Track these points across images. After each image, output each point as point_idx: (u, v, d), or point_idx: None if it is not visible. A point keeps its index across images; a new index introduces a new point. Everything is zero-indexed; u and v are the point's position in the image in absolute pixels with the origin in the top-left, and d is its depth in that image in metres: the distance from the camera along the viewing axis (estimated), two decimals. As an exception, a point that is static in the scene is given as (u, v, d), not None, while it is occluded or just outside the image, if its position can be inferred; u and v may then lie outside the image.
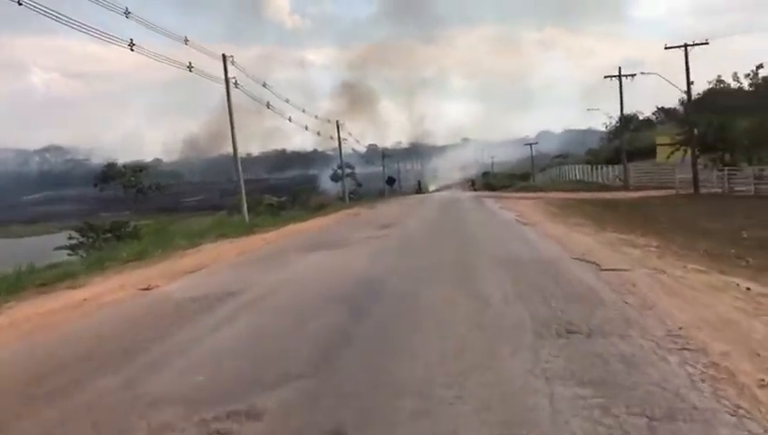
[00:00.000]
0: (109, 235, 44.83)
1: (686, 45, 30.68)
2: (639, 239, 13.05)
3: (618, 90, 42.83)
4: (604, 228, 15.74)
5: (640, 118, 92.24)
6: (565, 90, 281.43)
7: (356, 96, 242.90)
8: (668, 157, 35.28)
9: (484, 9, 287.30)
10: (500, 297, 7.45)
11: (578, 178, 58.44)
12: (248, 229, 24.15)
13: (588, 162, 65.96)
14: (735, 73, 60.57)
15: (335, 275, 10.35)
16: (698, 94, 73.68)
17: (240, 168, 30.38)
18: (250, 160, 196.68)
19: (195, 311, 7.94)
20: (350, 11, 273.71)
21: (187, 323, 7.26)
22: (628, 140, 72.03)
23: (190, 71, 26.63)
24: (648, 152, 57.15)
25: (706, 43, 30.66)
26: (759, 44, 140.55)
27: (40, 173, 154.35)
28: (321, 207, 50.16)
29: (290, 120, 41.54)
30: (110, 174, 34.18)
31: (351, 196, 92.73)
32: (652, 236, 13.55)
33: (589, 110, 53.40)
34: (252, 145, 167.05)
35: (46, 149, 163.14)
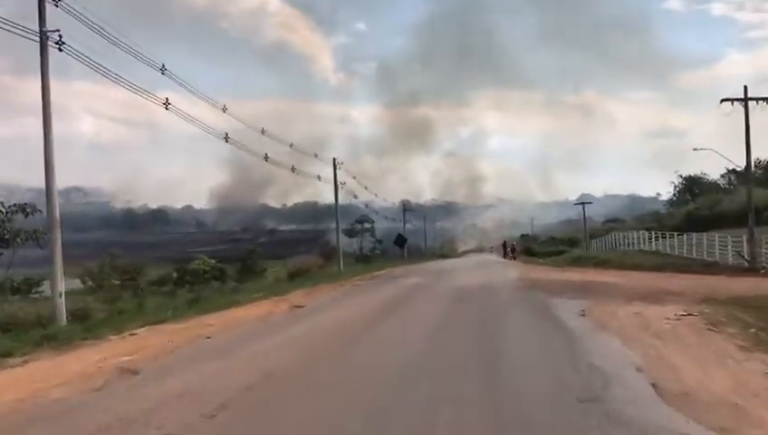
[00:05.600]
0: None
1: None
2: None
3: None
4: None
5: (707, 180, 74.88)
6: (605, 154, 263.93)
7: (393, 151, 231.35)
8: None
9: (523, 72, 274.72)
10: None
11: (653, 248, 41.62)
12: None
13: (649, 229, 49.55)
14: None
15: None
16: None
17: (56, 203, 14.95)
18: (284, 211, 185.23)
19: None
20: (394, 70, 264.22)
21: None
22: (707, 205, 55.46)
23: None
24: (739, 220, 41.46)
25: None
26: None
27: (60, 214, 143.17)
28: (295, 275, 34.67)
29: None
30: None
31: (368, 255, 77.58)
32: None
33: (695, 150, 34.95)
34: (289, 197, 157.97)
35: (68, 191, 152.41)
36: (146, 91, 19.95)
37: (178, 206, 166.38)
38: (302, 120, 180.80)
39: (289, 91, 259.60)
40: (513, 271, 31.52)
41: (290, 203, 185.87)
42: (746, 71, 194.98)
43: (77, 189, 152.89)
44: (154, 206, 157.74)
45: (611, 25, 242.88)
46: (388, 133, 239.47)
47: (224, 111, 26.32)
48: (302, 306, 16.50)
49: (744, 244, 27.58)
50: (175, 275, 30.41)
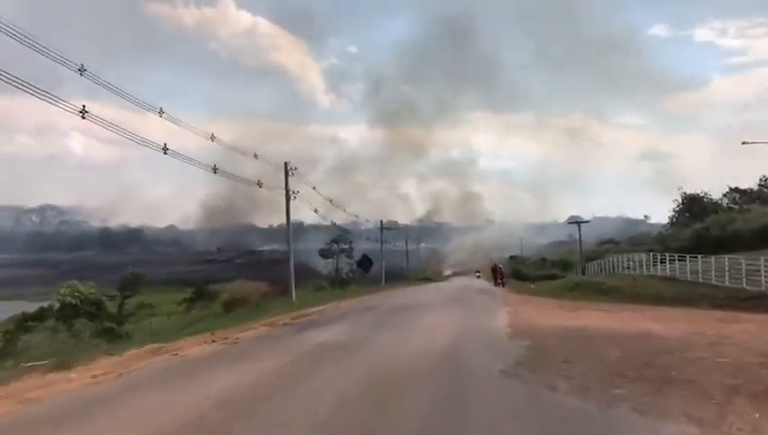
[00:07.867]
0: None
1: None
2: None
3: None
4: None
5: (710, 199, 68.14)
6: (595, 176, 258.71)
7: (381, 172, 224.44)
8: None
9: (513, 95, 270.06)
10: None
11: (666, 273, 34.33)
12: None
13: (651, 250, 42.78)
14: None
15: None
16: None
17: None
18: (271, 231, 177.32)
19: None
20: (385, 92, 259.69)
21: None
22: (720, 223, 48.81)
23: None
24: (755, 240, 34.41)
25: None
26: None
27: (31, 233, 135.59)
28: (233, 306, 27.18)
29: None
30: None
31: (344, 278, 70.15)
32: None
33: (743, 143, 28.55)
34: (276, 217, 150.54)
35: (42, 209, 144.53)
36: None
37: (161, 226, 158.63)
38: (292, 140, 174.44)
39: (279, 112, 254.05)
40: (502, 311, 22.44)
41: (276, 223, 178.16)
42: (732, 94, 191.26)
43: (52, 207, 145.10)
44: (134, 225, 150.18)
45: (601, 51, 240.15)
46: (378, 154, 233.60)
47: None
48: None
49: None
50: (57, 306, 22.74)
